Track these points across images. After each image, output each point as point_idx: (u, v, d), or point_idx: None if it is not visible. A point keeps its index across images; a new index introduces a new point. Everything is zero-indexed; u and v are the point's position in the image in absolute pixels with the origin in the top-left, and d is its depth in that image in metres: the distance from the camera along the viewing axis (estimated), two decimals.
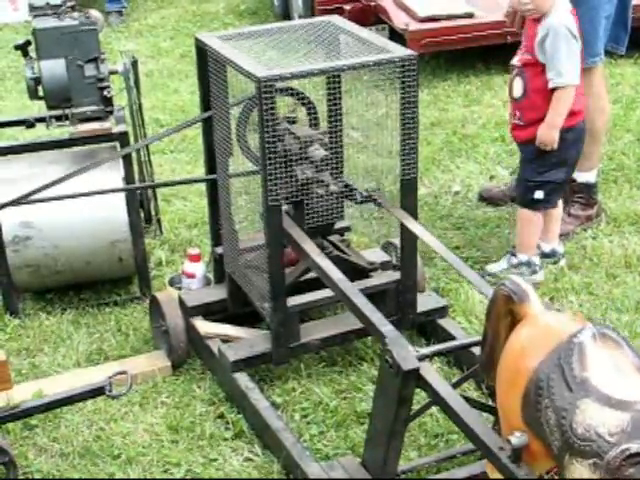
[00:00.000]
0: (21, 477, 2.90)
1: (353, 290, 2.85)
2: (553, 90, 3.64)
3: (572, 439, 1.99)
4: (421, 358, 2.48)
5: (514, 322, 2.35)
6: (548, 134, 3.67)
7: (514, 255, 3.92)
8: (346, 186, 3.25)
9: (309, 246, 3.04)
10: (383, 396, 2.56)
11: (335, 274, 2.92)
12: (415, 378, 2.45)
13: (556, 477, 2.39)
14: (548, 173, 3.77)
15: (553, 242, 4.00)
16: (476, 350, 2.72)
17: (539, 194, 3.80)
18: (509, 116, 3.89)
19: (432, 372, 2.52)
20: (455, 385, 2.67)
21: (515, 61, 3.79)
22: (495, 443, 2.30)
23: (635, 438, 1.91)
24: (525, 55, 3.72)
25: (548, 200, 3.82)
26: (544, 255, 3.98)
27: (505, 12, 4.04)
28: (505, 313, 2.36)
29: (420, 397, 2.86)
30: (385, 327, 2.62)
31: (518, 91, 3.74)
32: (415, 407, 2.64)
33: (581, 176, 4.24)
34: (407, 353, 2.46)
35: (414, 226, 3.04)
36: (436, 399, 2.47)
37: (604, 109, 4.22)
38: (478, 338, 2.58)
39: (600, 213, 4.36)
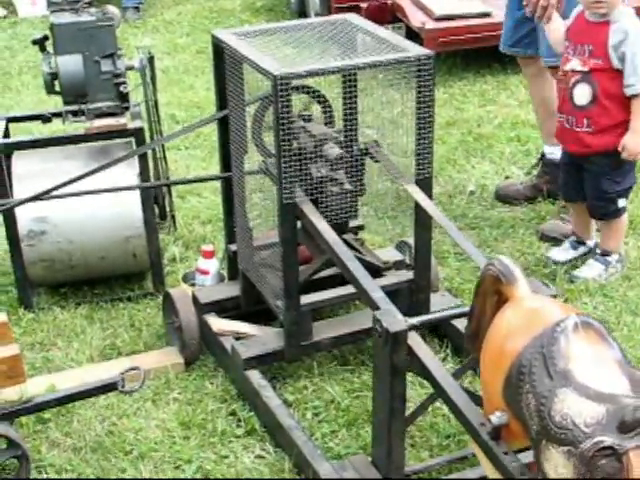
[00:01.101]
0: (33, 471, 2.91)
1: (348, 255, 2.89)
2: (632, 96, 3.56)
3: (549, 426, 2.05)
4: (410, 328, 2.51)
5: (501, 301, 2.40)
6: (637, 142, 3.59)
7: (607, 255, 3.91)
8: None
9: (307, 207, 3.03)
10: (378, 373, 2.59)
11: (330, 235, 2.94)
12: (404, 342, 2.47)
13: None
14: (625, 180, 3.76)
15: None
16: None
17: (622, 202, 3.79)
18: (566, 125, 3.73)
19: (420, 342, 2.55)
20: (456, 375, 2.68)
21: (576, 66, 3.64)
22: (477, 419, 2.37)
23: (609, 431, 1.95)
24: (594, 60, 3.59)
25: (626, 204, 3.84)
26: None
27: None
28: (492, 292, 2.42)
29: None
30: (376, 294, 2.66)
31: (584, 98, 3.62)
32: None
33: None
34: (395, 319, 2.51)
35: (412, 188, 3.07)
36: (422, 371, 2.52)
37: None
38: (466, 309, 2.61)
39: None
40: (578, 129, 3.68)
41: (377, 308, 2.62)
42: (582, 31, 3.68)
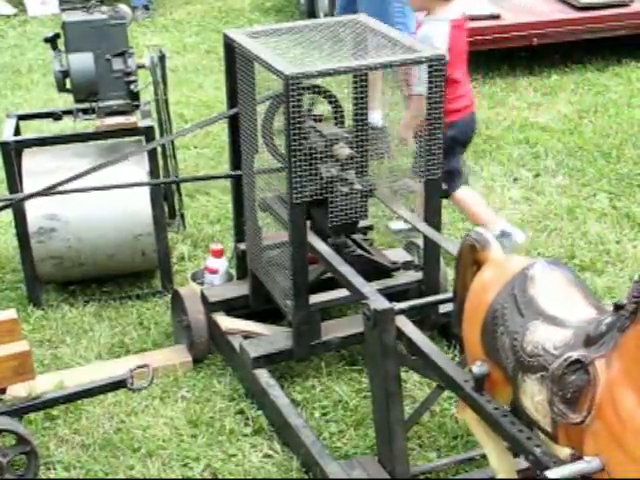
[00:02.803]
0: (42, 467, 2.92)
1: (338, 259, 2.99)
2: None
3: (522, 357, 2.17)
4: (398, 312, 2.60)
5: (479, 270, 2.52)
6: (404, 132, 3.81)
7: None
8: None
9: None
10: (370, 358, 2.65)
11: (321, 245, 3.04)
12: (391, 321, 2.55)
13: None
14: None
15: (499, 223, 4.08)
16: None
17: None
18: None
19: (407, 322, 2.65)
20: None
21: None
22: (461, 377, 2.48)
23: (576, 348, 2.06)
24: None
25: (448, 187, 3.92)
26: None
27: None
28: (471, 263, 2.55)
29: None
30: (365, 288, 2.74)
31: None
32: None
33: None
34: (382, 302, 2.60)
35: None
36: (411, 347, 2.62)
37: None
38: (452, 295, 2.72)
39: None
40: None
41: (365, 297, 2.70)
42: None
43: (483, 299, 2.36)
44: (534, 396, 2.15)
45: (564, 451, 2.15)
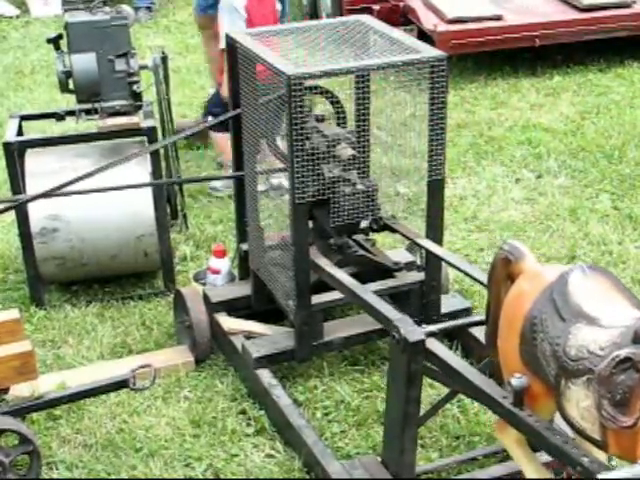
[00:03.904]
0: (44, 467, 2.92)
1: (362, 289, 2.94)
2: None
3: (566, 362, 2.07)
4: (428, 335, 2.53)
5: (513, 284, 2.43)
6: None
7: None
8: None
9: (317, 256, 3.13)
10: (393, 378, 2.60)
11: (342, 276, 3.01)
12: (422, 351, 2.50)
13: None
14: None
15: None
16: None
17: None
18: None
19: (439, 345, 2.58)
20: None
21: None
22: (499, 394, 2.39)
23: (624, 346, 1.96)
24: None
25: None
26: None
27: None
28: (505, 277, 2.43)
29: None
30: (395, 315, 2.66)
31: None
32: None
33: None
34: (413, 328, 2.53)
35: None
36: (443, 367, 2.55)
37: None
38: (483, 317, 2.64)
39: None
40: None
41: (392, 320, 2.62)
42: None
43: (520, 309, 2.26)
44: (580, 402, 2.03)
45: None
